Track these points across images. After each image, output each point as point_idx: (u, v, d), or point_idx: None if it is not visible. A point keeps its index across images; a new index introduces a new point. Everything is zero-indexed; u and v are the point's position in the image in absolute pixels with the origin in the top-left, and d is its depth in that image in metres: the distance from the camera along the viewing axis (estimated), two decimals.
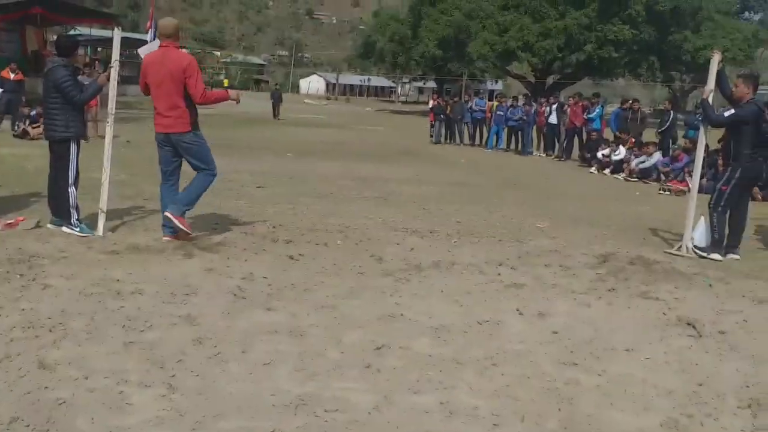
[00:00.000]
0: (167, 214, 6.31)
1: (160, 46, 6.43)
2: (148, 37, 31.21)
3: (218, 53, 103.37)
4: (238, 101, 6.99)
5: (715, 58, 7.15)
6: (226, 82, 65.82)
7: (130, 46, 51.39)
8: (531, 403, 3.52)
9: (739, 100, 7.11)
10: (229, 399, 3.34)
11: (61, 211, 6.58)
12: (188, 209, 6.55)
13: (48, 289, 4.80)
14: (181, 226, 6.28)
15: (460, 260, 6.45)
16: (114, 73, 6.66)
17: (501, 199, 10.68)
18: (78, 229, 6.50)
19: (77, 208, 6.59)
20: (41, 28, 27.49)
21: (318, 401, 3.37)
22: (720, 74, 7.16)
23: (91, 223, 6.70)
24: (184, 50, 6.40)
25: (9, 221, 6.54)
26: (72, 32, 39.48)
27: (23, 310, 4.35)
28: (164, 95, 6.29)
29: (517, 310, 5.04)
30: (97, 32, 38.47)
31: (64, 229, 6.51)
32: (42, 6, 25.15)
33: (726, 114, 7.17)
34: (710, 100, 7.24)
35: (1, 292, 4.67)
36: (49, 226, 6.62)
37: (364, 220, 8.21)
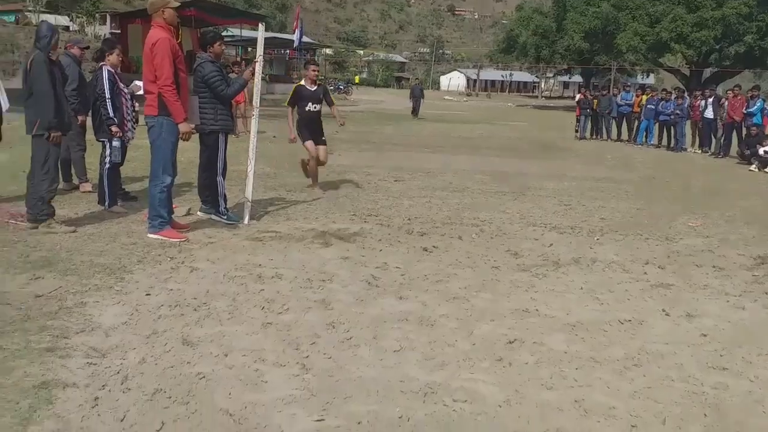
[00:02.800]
0: (149, 235, 6.02)
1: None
2: (295, 36, 32.49)
3: (361, 52, 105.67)
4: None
5: None
6: (357, 79, 67.18)
7: (277, 45, 53.95)
8: (674, 406, 3.29)
9: None
10: (358, 383, 3.37)
11: (210, 200, 6.94)
12: (163, 221, 6.05)
13: (195, 271, 5.08)
14: (170, 239, 5.96)
15: (602, 257, 6.18)
16: (258, 68, 6.91)
17: (650, 195, 10.14)
18: (225, 217, 6.84)
19: (225, 198, 6.93)
20: (195, 29, 29.21)
21: (446, 391, 3.33)
22: None
23: (237, 211, 7.02)
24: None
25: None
26: (223, 33, 41.85)
27: (171, 290, 4.62)
28: (144, 75, 5.99)
29: (663, 310, 4.75)
30: (247, 33, 40.51)
31: (213, 216, 6.87)
32: (196, 8, 26.78)
33: None
34: None
35: (153, 273, 4.99)
36: (198, 213, 7.02)
37: (501, 214, 8.06)
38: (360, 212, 7.69)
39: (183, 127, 6.01)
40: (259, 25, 7.51)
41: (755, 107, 16.17)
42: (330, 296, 4.67)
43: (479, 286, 5.12)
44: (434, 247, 6.28)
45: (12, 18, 54.60)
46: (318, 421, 2.98)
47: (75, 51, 7.89)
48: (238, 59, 25.41)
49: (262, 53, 7.03)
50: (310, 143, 8.77)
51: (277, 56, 55.37)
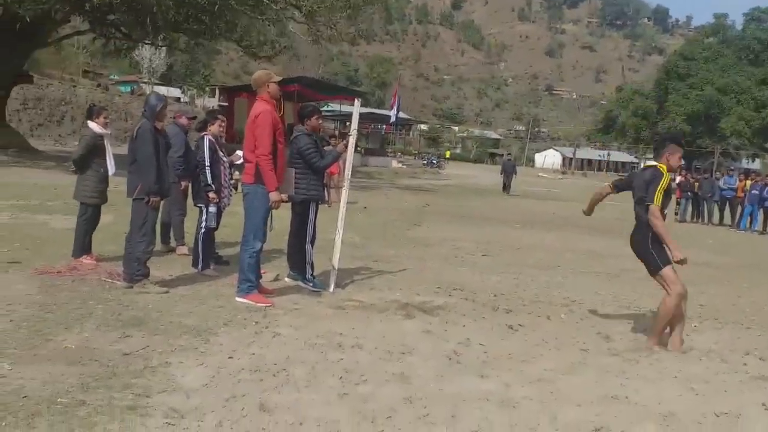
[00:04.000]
0: (237, 299, 6.16)
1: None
2: (392, 112, 33.19)
3: (456, 128, 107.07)
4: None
5: None
6: (447, 154, 67.74)
7: (374, 120, 55.47)
8: None
9: None
10: None
11: (298, 267, 7.04)
12: (251, 285, 6.20)
13: (277, 337, 5.11)
14: (256, 303, 6.05)
15: (699, 346, 5.84)
16: (352, 141, 7.08)
17: (752, 282, 9.59)
18: (311, 284, 6.91)
19: (312, 265, 7.01)
20: (297, 103, 30.54)
21: None
22: None
23: (323, 279, 7.08)
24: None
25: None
26: (324, 107, 43.52)
27: (253, 354, 4.66)
28: (245, 144, 6.26)
29: (763, 404, 4.39)
30: (346, 108, 41.94)
31: (300, 283, 6.95)
32: (299, 84, 28.03)
33: None
34: None
35: (236, 336, 5.05)
36: (286, 279, 7.13)
37: (593, 295, 7.79)
38: (445, 285, 7.60)
39: (273, 196, 6.17)
40: (355, 100, 7.74)
41: None
42: (409, 370, 4.58)
43: (566, 369, 4.90)
44: (520, 325, 6.11)
45: (128, 89, 58.74)
46: None
47: (183, 121, 8.37)
48: (336, 132, 26.24)
49: (356, 127, 7.21)
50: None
51: (373, 131, 56.87)
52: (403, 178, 34.23)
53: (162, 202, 6.77)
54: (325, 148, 7.91)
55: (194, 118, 8.90)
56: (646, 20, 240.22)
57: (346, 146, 7.16)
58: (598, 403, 4.24)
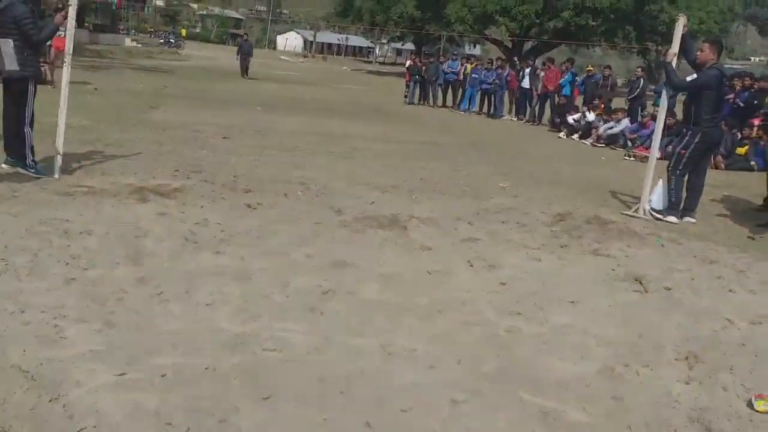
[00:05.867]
0: None
1: None
2: None
3: (195, 6, 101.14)
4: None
5: (680, 22, 7.16)
6: (184, 32, 64.52)
7: None
8: (470, 347, 3.56)
9: (703, 64, 7.11)
10: (166, 336, 3.33)
11: (16, 152, 6.44)
12: None
13: None
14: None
15: (418, 214, 6.45)
16: (72, 11, 6.46)
17: (467, 158, 10.67)
18: (33, 170, 6.38)
19: (33, 150, 6.45)
20: None
21: (257, 341, 3.38)
22: (684, 38, 7.17)
23: (46, 165, 6.57)
24: None
25: None
26: None
27: None
28: None
29: (468, 262, 5.07)
30: None
31: (19, 169, 6.39)
32: None
33: (688, 79, 7.18)
34: (674, 63, 7.24)
35: None
36: (2, 165, 6.49)
37: (328, 173, 8.15)
38: (183, 168, 7.46)
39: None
40: None
41: (565, 79, 17.48)
42: (142, 252, 4.53)
43: (299, 242, 5.18)
44: (259, 203, 6.25)
45: None
46: (119, 375, 2.92)
47: None
48: (60, 5, 23.47)
49: None
50: None
51: (102, 4, 51.69)
52: (138, 58, 31.89)
53: None
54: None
55: None
56: None
57: (65, 17, 6.51)
58: (327, 269, 4.58)
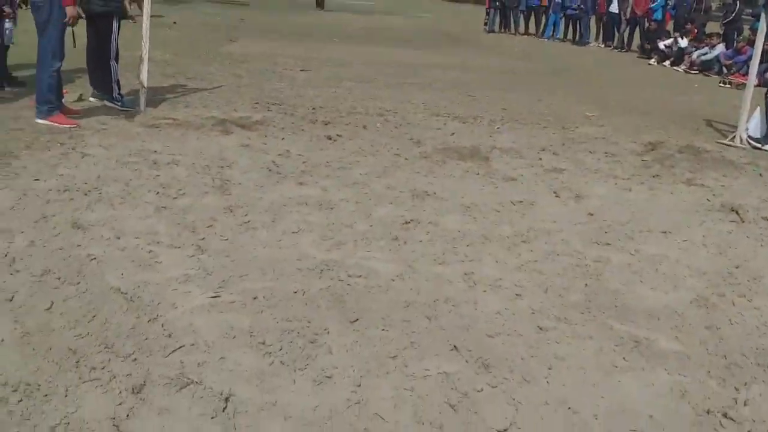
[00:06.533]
0: (37, 120, 5.71)
1: None
2: None
3: None
4: None
5: None
6: None
7: None
8: (556, 277, 3.49)
9: None
10: (254, 262, 3.40)
11: (103, 86, 6.60)
12: (52, 106, 5.76)
13: (86, 157, 4.88)
14: (59, 124, 5.66)
15: (500, 145, 6.32)
16: None
17: (551, 87, 10.33)
18: (120, 103, 6.55)
19: (119, 83, 6.60)
20: None
21: (342, 267, 3.40)
22: None
23: (132, 98, 6.74)
24: None
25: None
26: None
27: (61, 175, 4.44)
28: None
29: (554, 192, 4.95)
30: None
31: (107, 102, 6.56)
32: None
33: None
34: None
35: (41, 158, 4.77)
36: (91, 99, 6.69)
37: (406, 104, 8.05)
38: (263, 101, 7.50)
39: (70, 11, 5.66)
40: None
41: (656, 3, 16.53)
42: (228, 182, 4.61)
43: (380, 172, 5.16)
44: (338, 135, 6.24)
45: None
46: (213, 297, 3.00)
47: None
48: None
49: None
50: None
51: None
52: None
53: None
54: None
55: None
56: None
57: None
58: (408, 200, 4.56)
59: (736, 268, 3.77)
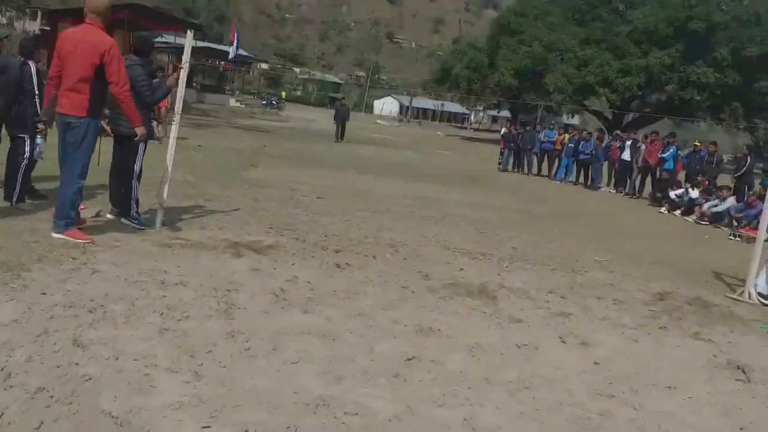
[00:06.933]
0: (54, 234, 5.80)
1: (84, 22, 5.86)
2: (231, 49, 32.01)
3: (297, 69, 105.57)
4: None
5: None
6: (284, 95, 66.57)
7: (212, 56, 53.23)
8: (558, 429, 3.40)
9: None
10: (251, 393, 3.34)
11: (121, 203, 6.76)
12: (69, 221, 5.87)
13: (96, 273, 4.93)
14: (74, 239, 5.75)
15: (509, 284, 6.33)
16: (183, 74, 6.83)
17: (562, 230, 10.46)
18: (136, 222, 6.68)
19: (137, 202, 6.77)
20: (128, 32, 28.48)
21: (339, 404, 3.34)
22: None
23: (149, 217, 6.88)
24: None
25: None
26: (157, 39, 40.98)
27: (68, 291, 4.47)
28: (71, 72, 5.72)
29: (560, 337, 4.90)
30: (182, 41, 39.83)
31: (123, 220, 6.69)
32: (130, 11, 26.16)
33: None
34: None
35: (52, 272, 4.82)
36: (108, 215, 6.83)
37: (418, 237, 8.16)
38: (277, 226, 7.64)
39: (141, 131, 6.16)
40: (188, 32, 7.42)
41: (668, 153, 16.96)
42: (233, 306, 4.62)
43: (386, 305, 5.16)
44: (347, 264, 6.30)
45: None
46: (204, 428, 2.94)
47: None
48: (170, 66, 24.96)
49: (188, 60, 6.94)
50: None
51: (211, 67, 54.70)
52: (241, 118, 33.43)
53: None
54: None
55: (7, 37, 8.08)
56: None
57: (177, 80, 6.90)
58: (413, 336, 4.53)
59: (741, 430, 3.65)
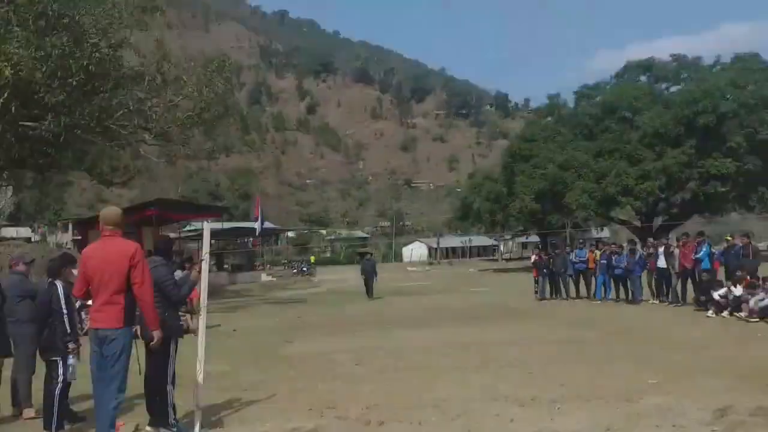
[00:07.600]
0: None
1: (102, 236, 6.06)
2: (256, 224, 32.85)
3: (324, 231, 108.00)
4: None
5: None
6: (313, 259, 67.42)
7: (241, 234, 54.67)
8: None
9: None
10: None
11: (159, 411, 6.68)
12: None
13: None
14: None
15: (562, 428, 6.06)
16: (205, 266, 6.96)
17: (610, 354, 10.12)
18: (175, 429, 6.57)
19: (174, 408, 6.69)
20: (157, 228, 29.60)
21: None
22: None
23: (187, 421, 6.78)
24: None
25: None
26: (186, 227, 42.40)
27: None
28: (105, 286, 5.81)
29: None
30: (212, 225, 41.13)
31: (162, 430, 6.58)
32: (157, 207, 27.35)
33: None
34: None
35: None
36: (147, 428, 6.71)
37: (462, 390, 7.94)
38: (317, 406, 7.48)
39: (157, 335, 6.06)
40: (204, 222, 7.61)
41: (702, 253, 16.54)
42: None
43: None
44: None
45: None
46: None
47: (21, 268, 7.82)
48: (195, 256, 25.58)
49: (208, 251, 7.10)
50: None
51: (240, 246, 55.98)
52: (275, 291, 33.81)
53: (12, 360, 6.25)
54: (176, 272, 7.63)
55: (33, 261, 8.36)
56: (488, 107, 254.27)
57: (200, 271, 6.99)
58: None
59: None
